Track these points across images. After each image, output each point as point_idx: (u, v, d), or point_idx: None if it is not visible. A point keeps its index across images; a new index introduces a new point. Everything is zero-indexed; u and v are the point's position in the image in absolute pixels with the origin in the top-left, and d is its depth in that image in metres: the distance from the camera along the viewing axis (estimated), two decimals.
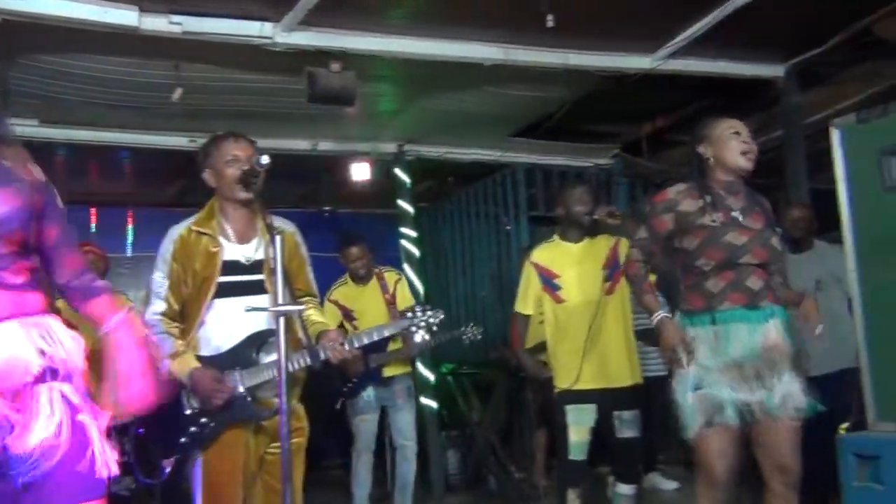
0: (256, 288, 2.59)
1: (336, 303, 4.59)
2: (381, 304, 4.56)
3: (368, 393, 4.48)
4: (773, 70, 4.99)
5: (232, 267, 2.59)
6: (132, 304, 4.47)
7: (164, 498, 4.37)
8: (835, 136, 2.96)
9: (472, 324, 4.20)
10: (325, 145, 5.76)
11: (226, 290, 2.57)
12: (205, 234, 2.59)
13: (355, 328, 4.46)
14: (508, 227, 6.59)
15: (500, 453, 5.86)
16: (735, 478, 2.54)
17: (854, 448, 2.82)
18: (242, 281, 2.58)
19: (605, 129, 6.44)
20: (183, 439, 2.55)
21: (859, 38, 4.59)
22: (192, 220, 2.64)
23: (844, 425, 2.99)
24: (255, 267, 2.61)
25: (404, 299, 4.60)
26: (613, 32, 4.36)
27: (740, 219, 2.59)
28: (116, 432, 3.95)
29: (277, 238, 2.31)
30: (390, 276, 4.70)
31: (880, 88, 4.83)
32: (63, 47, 3.87)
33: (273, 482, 2.56)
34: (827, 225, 3.08)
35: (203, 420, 2.53)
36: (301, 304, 2.58)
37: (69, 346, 1.60)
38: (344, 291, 4.63)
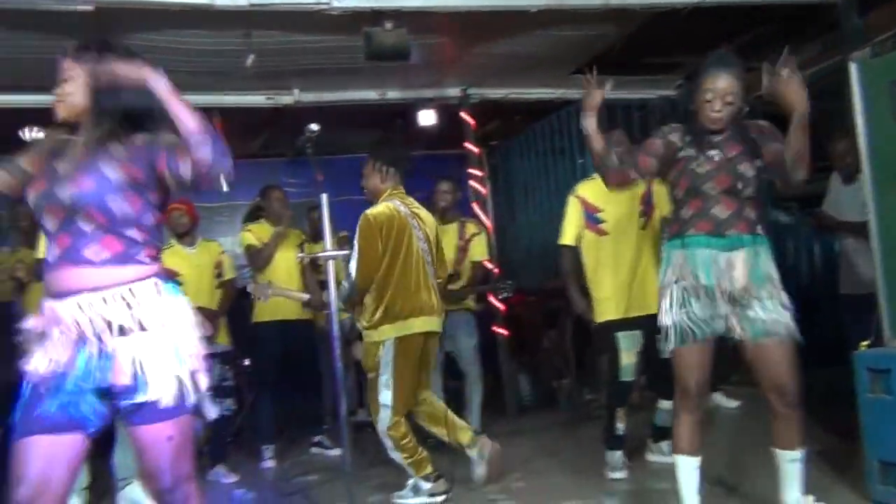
0: None
1: None
2: (452, 247, 5.02)
3: None
4: None
5: None
6: (223, 249, 5.09)
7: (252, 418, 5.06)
8: (852, 70, 3.07)
9: (510, 281, 5.11)
10: (392, 94, 6.08)
11: None
12: None
13: None
14: (581, 161, 6.79)
15: (568, 376, 6.24)
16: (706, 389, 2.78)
17: (868, 363, 3.02)
18: None
19: (668, 60, 6.48)
20: None
21: None
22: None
23: (865, 343, 3.17)
24: None
25: (477, 252, 5.09)
26: None
27: (714, 151, 2.74)
28: (221, 361, 4.63)
29: None
30: (470, 226, 5.18)
31: None
32: (148, 25, 4.33)
33: None
34: None
35: None
36: None
37: (152, 308, 1.98)
38: None
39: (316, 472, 4.66)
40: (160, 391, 1.93)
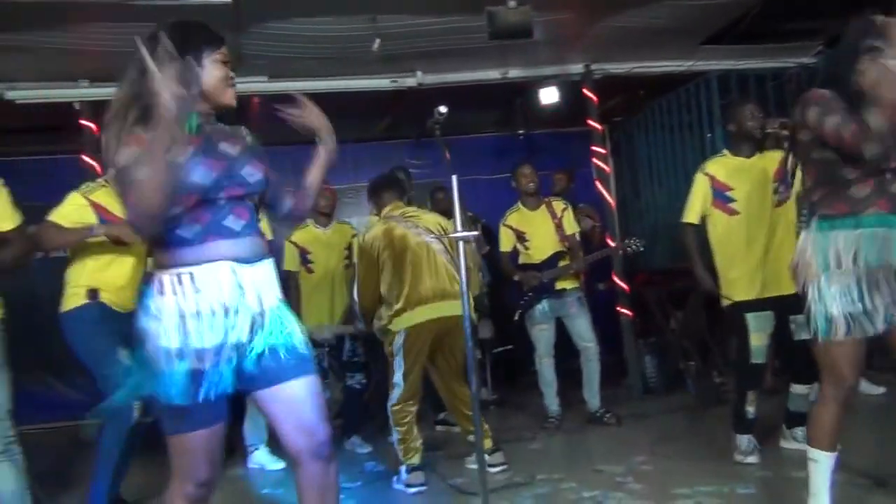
0: None
1: (510, 227, 5.22)
2: (551, 227, 5.16)
3: (543, 305, 5.10)
4: None
5: None
6: (355, 232, 5.23)
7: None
8: None
9: (633, 238, 5.14)
10: (514, 73, 6.05)
11: None
12: None
13: (526, 248, 5.16)
14: (710, 136, 6.54)
15: (696, 359, 6.06)
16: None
17: None
18: None
19: (806, 25, 6.10)
20: None
21: None
22: None
23: None
24: None
25: (570, 226, 5.20)
26: None
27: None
28: (351, 337, 4.85)
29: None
30: (557, 204, 5.28)
31: None
32: (280, 15, 4.51)
33: None
34: None
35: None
36: None
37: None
38: (517, 217, 5.26)
39: (443, 447, 4.77)
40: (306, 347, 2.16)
